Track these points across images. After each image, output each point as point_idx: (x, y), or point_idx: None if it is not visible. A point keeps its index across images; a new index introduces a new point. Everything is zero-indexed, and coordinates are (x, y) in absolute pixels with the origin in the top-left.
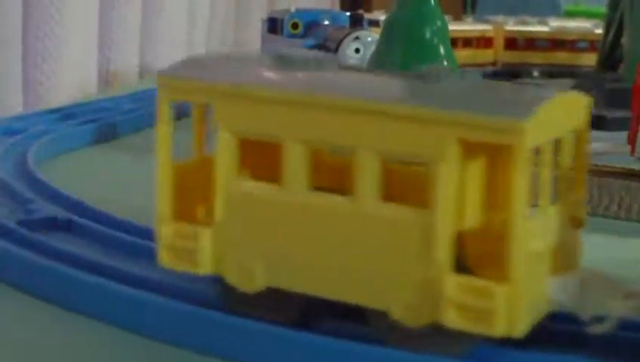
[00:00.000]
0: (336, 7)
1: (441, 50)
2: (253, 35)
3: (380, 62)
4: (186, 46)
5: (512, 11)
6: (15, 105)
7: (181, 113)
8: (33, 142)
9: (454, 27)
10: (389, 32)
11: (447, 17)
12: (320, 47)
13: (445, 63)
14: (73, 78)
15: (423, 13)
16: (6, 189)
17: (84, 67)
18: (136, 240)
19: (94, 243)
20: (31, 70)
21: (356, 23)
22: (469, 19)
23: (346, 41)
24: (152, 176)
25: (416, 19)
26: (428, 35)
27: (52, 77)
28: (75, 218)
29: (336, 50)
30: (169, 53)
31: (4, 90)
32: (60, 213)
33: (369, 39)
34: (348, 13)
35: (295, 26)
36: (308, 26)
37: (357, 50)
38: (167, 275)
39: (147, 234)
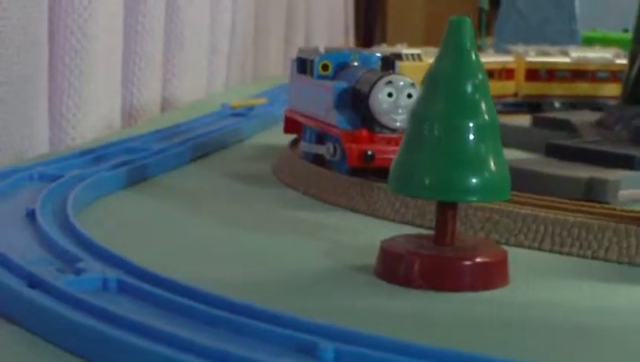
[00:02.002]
0: (351, 41)
1: (483, 106)
2: (272, 65)
3: (421, 116)
4: (207, 77)
5: (529, 37)
6: (42, 142)
7: None
8: (70, 190)
9: None
10: (431, 85)
11: None
12: (351, 90)
13: (486, 118)
14: (97, 113)
15: (464, 67)
16: (50, 244)
17: (108, 102)
18: (187, 301)
19: (146, 305)
20: (57, 106)
21: (388, 65)
22: (490, 50)
23: (378, 84)
24: (188, 223)
25: (458, 74)
26: (470, 89)
27: (77, 112)
28: (125, 278)
29: (368, 93)
30: (190, 85)
31: (32, 126)
32: (109, 272)
33: (401, 83)
34: (378, 54)
35: (325, 67)
36: (338, 67)
37: (390, 95)
38: (218, 340)
39: (198, 295)
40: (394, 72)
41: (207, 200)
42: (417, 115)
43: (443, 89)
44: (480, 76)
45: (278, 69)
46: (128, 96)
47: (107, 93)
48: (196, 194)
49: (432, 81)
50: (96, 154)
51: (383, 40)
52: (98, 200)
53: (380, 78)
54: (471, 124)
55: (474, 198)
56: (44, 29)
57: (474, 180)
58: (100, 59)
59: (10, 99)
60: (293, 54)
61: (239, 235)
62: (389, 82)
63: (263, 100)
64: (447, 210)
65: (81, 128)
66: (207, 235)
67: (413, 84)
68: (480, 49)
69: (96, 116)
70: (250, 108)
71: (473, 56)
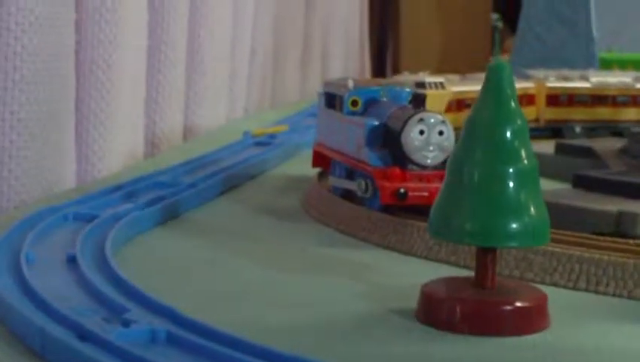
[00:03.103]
0: (367, 71)
1: (522, 152)
2: (289, 90)
3: (461, 161)
4: (227, 104)
5: (546, 60)
6: (70, 174)
7: None
8: (106, 231)
9: None
10: (470, 131)
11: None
12: (382, 127)
13: (526, 163)
14: (122, 143)
15: (503, 113)
16: (94, 291)
17: (133, 132)
18: (235, 353)
19: (196, 358)
20: (83, 138)
21: (418, 102)
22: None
23: (410, 122)
24: (225, 264)
25: (497, 120)
26: (509, 136)
27: (103, 144)
28: (173, 328)
29: (400, 131)
30: (211, 112)
31: (60, 159)
32: (157, 323)
33: (432, 120)
34: (408, 89)
35: (355, 103)
36: (367, 103)
37: (421, 132)
38: None
39: (247, 347)
40: (424, 109)
41: (240, 238)
42: (457, 161)
43: (482, 135)
44: (519, 122)
45: (295, 94)
46: (151, 125)
47: (132, 123)
48: (229, 231)
49: (472, 126)
50: (126, 190)
51: (396, 61)
52: (133, 240)
53: (411, 116)
54: (511, 170)
55: (514, 244)
56: (71, 62)
57: (514, 226)
58: (125, 90)
59: (40, 134)
60: (310, 79)
61: (276, 277)
62: (421, 120)
63: (283, 127)
64: (487, 254)
65: (107, 160)
66: (245, 277)
67: (444, 121)
68: None
69: (122, 147)
70: (272, 136)
71: (512, 103)
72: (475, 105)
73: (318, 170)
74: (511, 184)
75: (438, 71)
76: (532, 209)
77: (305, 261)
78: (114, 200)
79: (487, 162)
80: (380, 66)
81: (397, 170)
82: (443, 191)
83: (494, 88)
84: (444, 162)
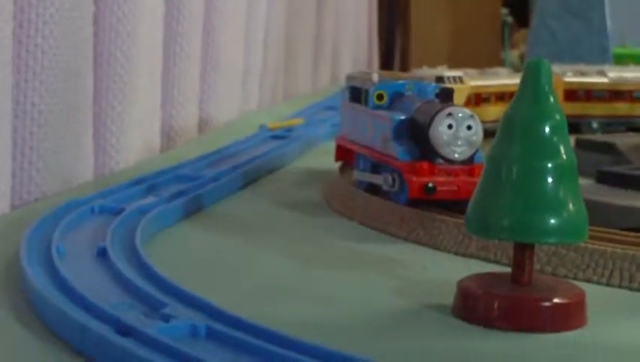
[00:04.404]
0: (375, 64)
1: (561, 147)
2: (300, 84)
3: (499, 158)
4: (241, 97)
5: (560, 55)
6: (88, 167)
7: None
8: (134, 224)
9: (516, 81)
10: (508, 127)
11: (509, 70)
12: (410, 121)
13: (564, 158)
14: (139, 136)
15: (542, 109)
16: (129, 287)
17: (149, 124)
18: (275, 347)
19: (236, 352)
20: (101, 131)
21: (445, 96)
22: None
23: (439, 116)
24: (252, 258)
25: (536, 116)
26: (548, 132)
27: (120, 137)
28: (212, 323)
29: (428, 125)
30: (226, 105)
31: (78, 152)
32: (197, 318)
33: (460, 115)
34: (434, 84)
35: (380, 97)
36: (393, 97)
37: (450, 126)
38: None
39: (286, 342)
40: (452, 103)
41: (265, 231)
42: (495, 157)
43: (521, 131)
44: (558, 117)
45: (307, 86)
46: (167, 118)
47: (148, 115)
48: (254, 225)
49: (510, 123)
50: (149, 184)
51: (405, 56)
52: (159, 234)
53: (440, 110)
54: (549, 165)
55: (552, 240)
56: (89, 55)
57: (552, 221)
58: (142, 82)
59: (59, 126)
60: (321, 72)
61: (303, 271)
62: (449, 114)
63: (299, 121)
64: (524, 250)
65: (124, 152)
66: (275, 271)
67: (472, 116)
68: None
69: (139, 140)
70: (289, 129)
71: (551, 98)
72: (513, 101)
73: (336, 163)
74: (549, 180)
75: (447, 64)
76: (570, 205)
77: (331, 255)
78: (137, 193)
79: (526, 158)
80: (387, 60)
81: (425, 164)
82: (480, 187)
83: (532, 84)
84: (471, 157)
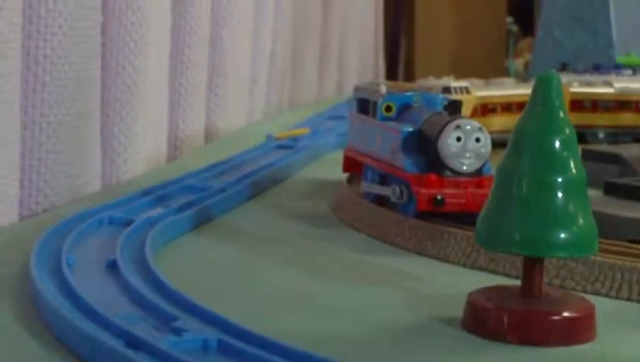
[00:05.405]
0: (381, 76)
1: (571, 161)
2: (306, 92)
3: (509, 171)
4: (247, 106)
5: (567, 62)
6: (95, 176)
7: None
8: (143, 236)
9: (523, 91)
10: (518, 141)
11: (514, 80)
12: (418, 133)
13: (574, 173)
14: (146, 146)
15: (552, 123)
16: (140, 300)
17: (156, 134)
18: None
19: None
20: (109, 141)
21: (454, 108)
22: (533, 80)
23: (447, 129)
24: (261, 270)
25: (546, 130)
26: (558, 146)
27: (128, 147)
28: (226, 338)
29: (437, 138)
30: (232, 114)
31: (86, 161)
32: (208, 331)
33: (469, 127)
34: (442, 96)
35: (388, 108)
36: (401, 108)
37: (458, 139)
38: None
39: (297, 356)
40: (461, 116)
41: (273, 243)
42: (505, 171)
43: (531, 145)
44: (568, 132)
45: (312, 94)
46: (174, 128)
47: (155, 125)
48: (262, 236)
49: (520, 137)
50: (157, 194)
51: (410, 64)
52: (168, 245)
53: (448, 123)
54: (559, 180)
55: (563, 254)
56: (97, 65)
57: (563, 236)
58: (150, 92)
59: (67, 136)
60: (326, 80)
61: (312, 284)
62: (458, 126)
63: (305, 130)
64: (534, 264)
65: (131, 162)
66: (281, 283)
67: (480, 128)
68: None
69: (146, 149)
70: (295, 139)
71: (561, 113)
72: (523, 115)
73: (343, 174)
74: (559, 194)
75: (451, 73)
76: (580, 219)
77: (340, 267)
78: (146, 204)
79: (536, 172)
80: (392, 70)
81: (433, 177)
82: (491, 201)
83: (543, 98)
84: (479, 169)
